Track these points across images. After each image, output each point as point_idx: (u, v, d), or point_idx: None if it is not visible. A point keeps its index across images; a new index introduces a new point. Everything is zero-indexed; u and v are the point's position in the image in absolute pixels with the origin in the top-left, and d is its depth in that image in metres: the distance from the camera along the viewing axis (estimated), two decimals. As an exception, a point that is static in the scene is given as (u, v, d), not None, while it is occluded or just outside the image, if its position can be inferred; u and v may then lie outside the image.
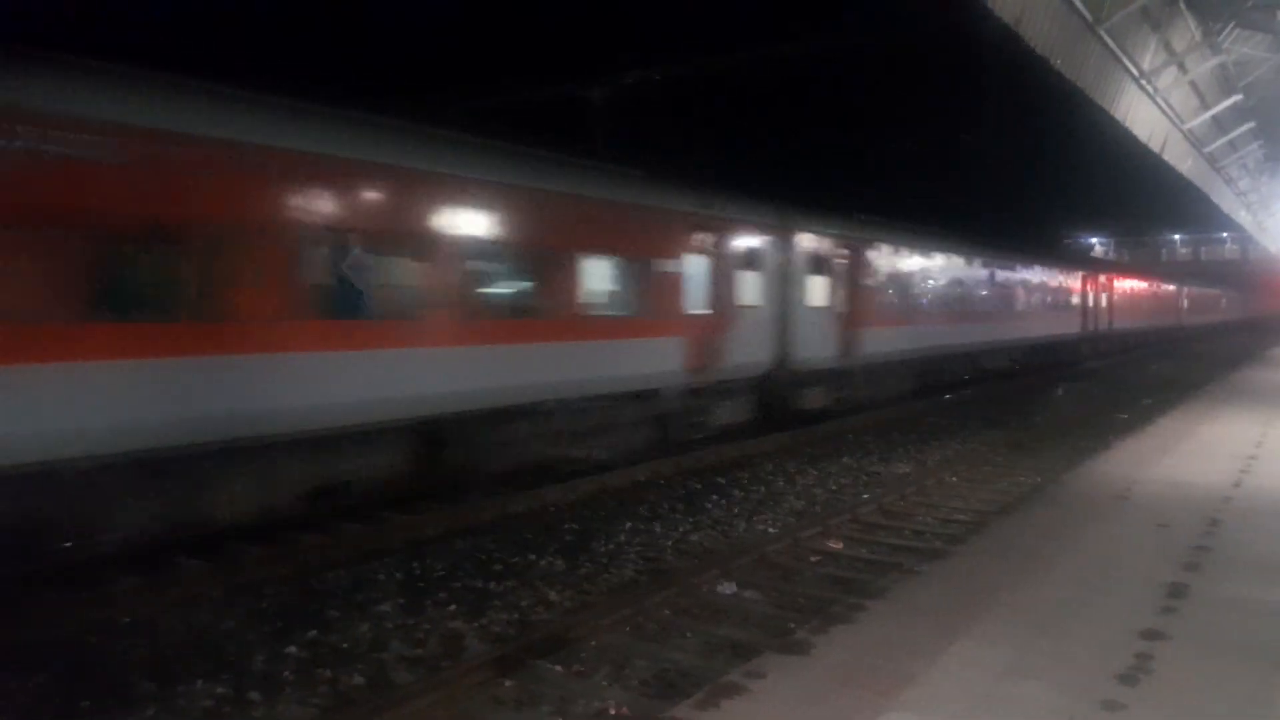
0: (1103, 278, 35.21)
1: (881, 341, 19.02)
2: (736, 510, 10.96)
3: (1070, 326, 32.31)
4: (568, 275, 11.20)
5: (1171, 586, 6.50)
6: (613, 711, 5.71)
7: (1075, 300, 32.97)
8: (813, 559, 9.15)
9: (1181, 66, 20.49)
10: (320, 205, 8.63)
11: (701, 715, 4.44)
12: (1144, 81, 19.23)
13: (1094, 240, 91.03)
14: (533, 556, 8.90)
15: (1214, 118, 25.14)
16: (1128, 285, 39.86)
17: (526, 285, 11.03)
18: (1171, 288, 51.67)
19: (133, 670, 6.22)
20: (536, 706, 5.82)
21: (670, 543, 9.57)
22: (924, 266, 21.77)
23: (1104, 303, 35.52)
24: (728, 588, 8.10)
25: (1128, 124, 20.53)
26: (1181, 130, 24.04)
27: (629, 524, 10.17)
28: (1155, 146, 23.24)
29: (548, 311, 11.04)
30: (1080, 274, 33.32)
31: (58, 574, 7.55)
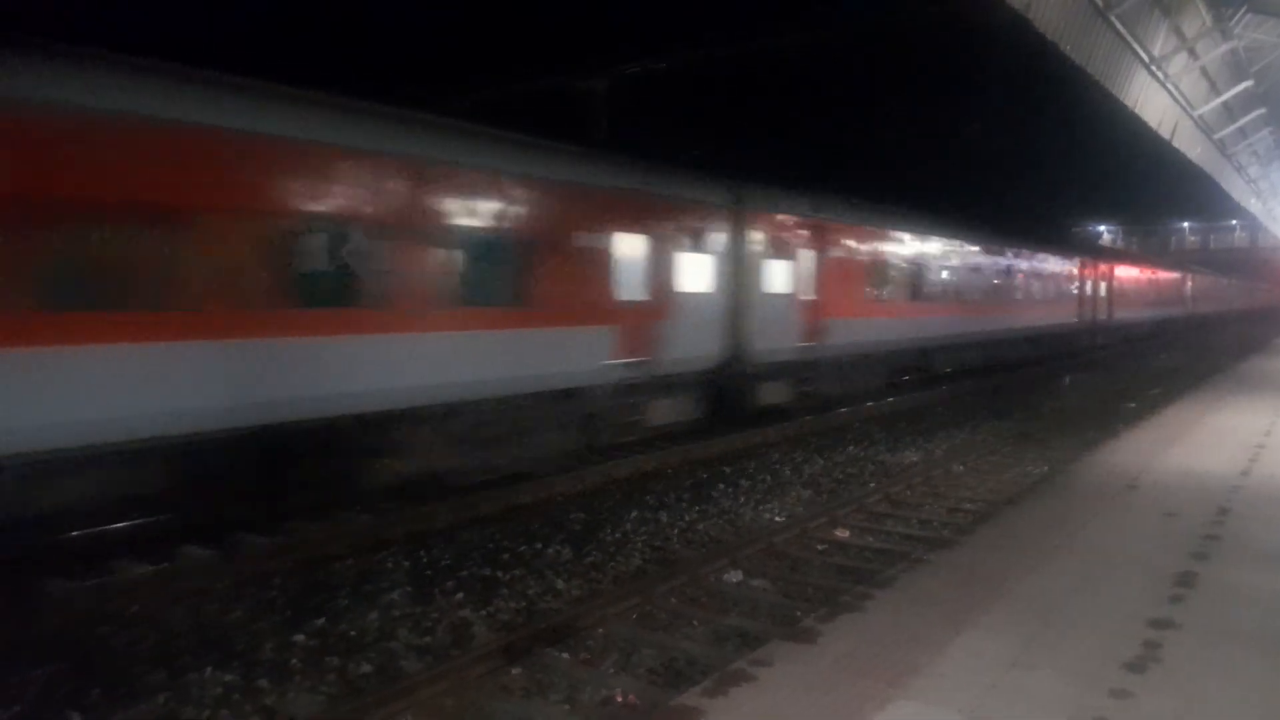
0: (850, 243, 17.38)
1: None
2: (743, 500, 10.96)
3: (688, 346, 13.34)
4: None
5: (1180, 575, 6.49)
6: (620, 699, 5.72)
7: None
8: (820, 548, 9.15)
9: (1192, 52, 20.37)
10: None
11: (710, 703, 4.45)
12: (1154, 67, 19.10)
13: (1102, 228, 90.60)
14: (540, 546, 8.91)
15: (1224, 104, 24.98)
16: (934, 249, 20.85)
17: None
18: (1066, 266, 31.05)
19: (143, 660, 6.25)
20: (545, 694, 5.83)
21: (677, 532, 9.58)
22: None
23: (839, 288, 16.84)
24: (735, 576, 8.11)
25: (1138, 110, 20.40)
26: (1192, 116, 23.89)
27: (636, 513, 10.18)
28: (1165, 133, 23.10)
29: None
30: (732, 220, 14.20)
31: (65, 564, 7.60)
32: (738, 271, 14.14)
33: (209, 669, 6.05)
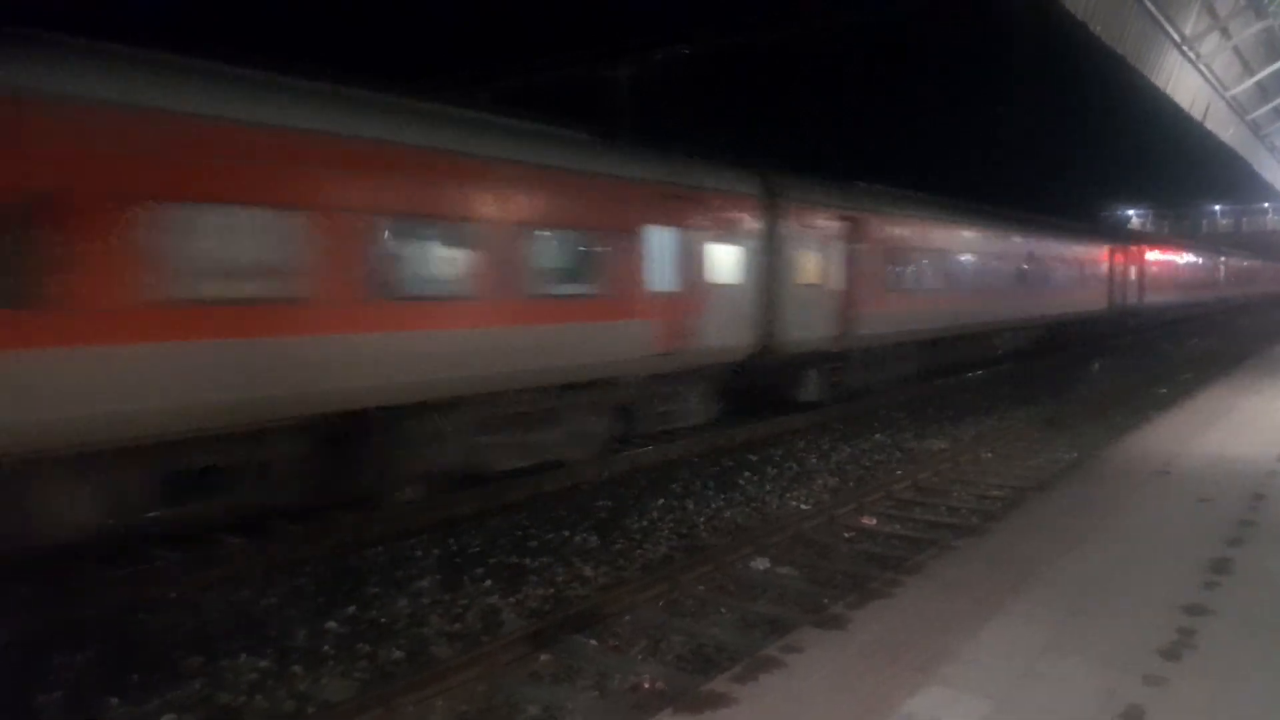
0: (883, 233, 17.23)
1: None
2: (769, 487, 10.94)
3: None
4: None
5: (1215, 561, 6.41)
6: (648, 686, 5.74)
7: None
8: (847, 536, 9.12)
9: (1225, 32, 20.00)
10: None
11: (740, 689, 4.45)
12: (1186, 47, 18.78)
13: (1132, 212, 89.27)
14: (567, 533, 8.95)
15: (1258, 84, 24.53)
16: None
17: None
18: (1093, 252, 29.93)
19: (179, 645, 6.35)
20: (573, 680, 5.87)
21: (703, 520, 9.58)
22: None
23: None
24: (762, 564, 8.10)
25: (1169, 91, 20.08)
26: (1224, 97, 23.49)
27: (661, 501, 10.19)
28: (1197, 114, 22.73)
29: None
30: None
31: (104, 551, 7.72)
32: (771, 263, 13.92)
33: (244, 655, 6.14)
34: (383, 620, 6.82)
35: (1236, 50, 21.53)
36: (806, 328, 14.74)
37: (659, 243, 11.81)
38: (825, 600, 7.03)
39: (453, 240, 9.39)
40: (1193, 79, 20.84)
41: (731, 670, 4.75)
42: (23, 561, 7.01)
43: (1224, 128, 25.91)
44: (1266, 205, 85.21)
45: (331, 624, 6.73)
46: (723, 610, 7.06)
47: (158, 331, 7.04)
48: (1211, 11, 18.69)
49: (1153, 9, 16.44)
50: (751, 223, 13.62)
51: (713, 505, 10.10)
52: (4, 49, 6.60)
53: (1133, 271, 32.61)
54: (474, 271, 9.45)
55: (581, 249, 10.82)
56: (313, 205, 8.02)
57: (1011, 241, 23.47)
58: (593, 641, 6.39)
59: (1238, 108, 25.27)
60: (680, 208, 12.15)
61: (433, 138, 9.30)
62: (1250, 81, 23.73)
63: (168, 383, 7.11)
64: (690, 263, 12.33)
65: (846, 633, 5.18)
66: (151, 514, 7.49)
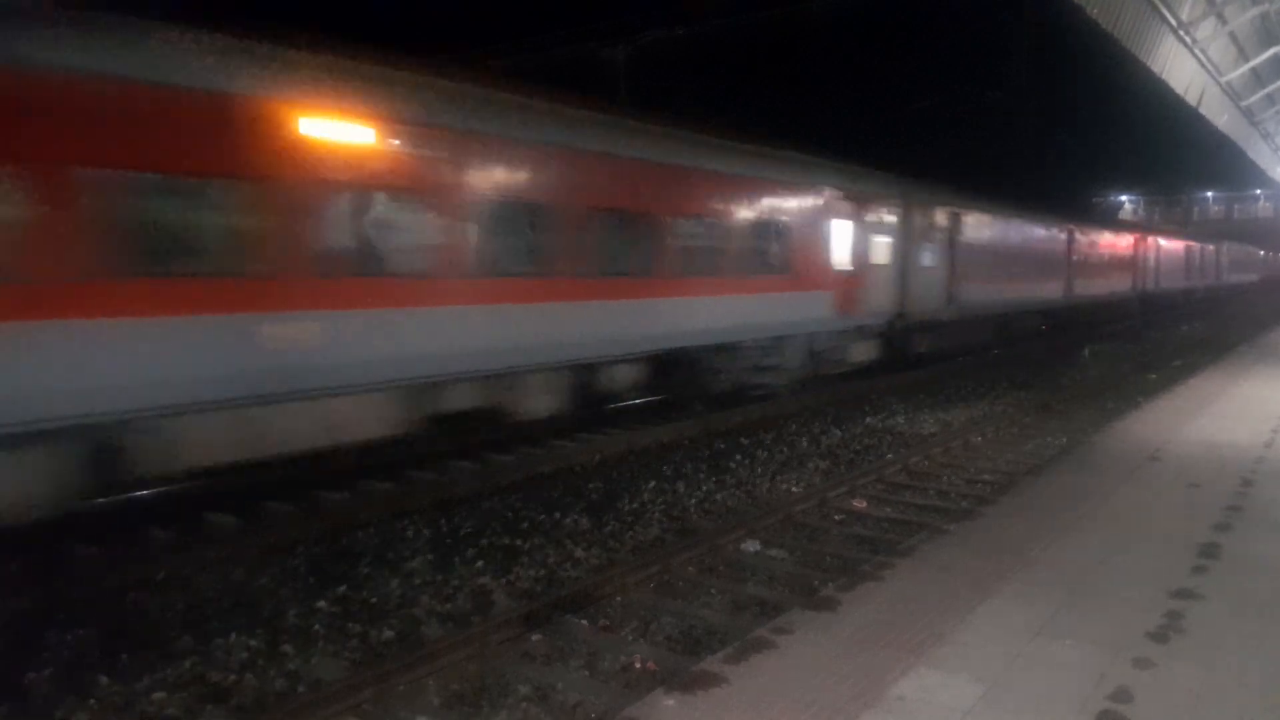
0: (973, 226, 21.61)
1: None
2: (761, 470, 10.96)
3: None
4: None
5: (1203, 546, 6.45)
6: (640, 666, 5.76)
7: None
8: (838, 519, 9.14)
9: (1221, 17, 19.97)
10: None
11: (731, 669, 4.47)
12: (1182, 32, 18.74)
13: (1124, 198, 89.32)
14: (559, 515, 8.96)
15: (1253, 70, 24.53)
16: None
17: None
18: (1122, 243, 35.41)
19: (170, 625, 6.35)
20: (565, 661, 5.88)
21: (695, 502, 9.59)
22: None
23: None
24: (753, 546, 8.12)
25: (1164, 76, 20.07)
26: (1219, 83, 23.49)
27: (653, 483, 10.20)
28: (1192, 100, 22.73)
29: None
30: None
31: (95, 531, 7.70)
32: (904, 250, 18.04)
33: (234, 634, 6.13)
34: (374, 601, 6.81)
35: (1232, 36, 21.52)
36: (924, 300, 18.95)
37: (838, 233, 15.76)
38: (816, 583, 7.06)
39: (757, 235, 13.93)
40: (1188, 64, 20.82)
41: (722, 651, 4.76)
42: (13, 540, 6.99)
43: (1218, 114, 25.95)
44: (1259, 192, 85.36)
45: (322, 604, 6.72)
46: (713, 592, 7.08)
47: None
48: (1208, -4, 18.68)
49: (1149, -7, 16.40)
50: (893, 218, 17.71)
51: (704, 488, 10.12)
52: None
53: (1151, 260, 38.03)
54: (756, 254, 13.88)
55: (800, 239, 14.86)
56: (723, 218, 13.25)
57: (1064, 234, 28.70)
58: (584, 622, 6.40)
59: (1232, 94, 25.30)
60: (852, 207, 16.15)
61: (769, 173, 14.29)
62: (1245, 67, 23.74)
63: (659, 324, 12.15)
64: (857, 249, 16.27)
65: (837, 615, 5.20)
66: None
